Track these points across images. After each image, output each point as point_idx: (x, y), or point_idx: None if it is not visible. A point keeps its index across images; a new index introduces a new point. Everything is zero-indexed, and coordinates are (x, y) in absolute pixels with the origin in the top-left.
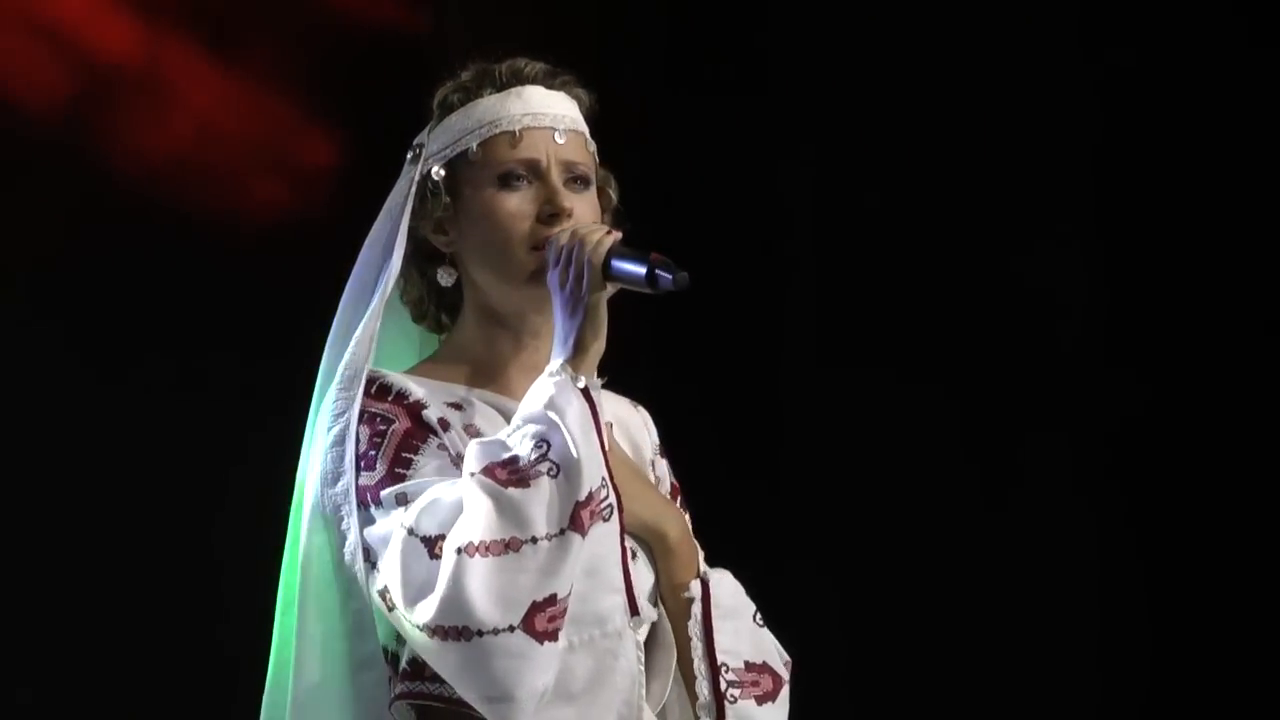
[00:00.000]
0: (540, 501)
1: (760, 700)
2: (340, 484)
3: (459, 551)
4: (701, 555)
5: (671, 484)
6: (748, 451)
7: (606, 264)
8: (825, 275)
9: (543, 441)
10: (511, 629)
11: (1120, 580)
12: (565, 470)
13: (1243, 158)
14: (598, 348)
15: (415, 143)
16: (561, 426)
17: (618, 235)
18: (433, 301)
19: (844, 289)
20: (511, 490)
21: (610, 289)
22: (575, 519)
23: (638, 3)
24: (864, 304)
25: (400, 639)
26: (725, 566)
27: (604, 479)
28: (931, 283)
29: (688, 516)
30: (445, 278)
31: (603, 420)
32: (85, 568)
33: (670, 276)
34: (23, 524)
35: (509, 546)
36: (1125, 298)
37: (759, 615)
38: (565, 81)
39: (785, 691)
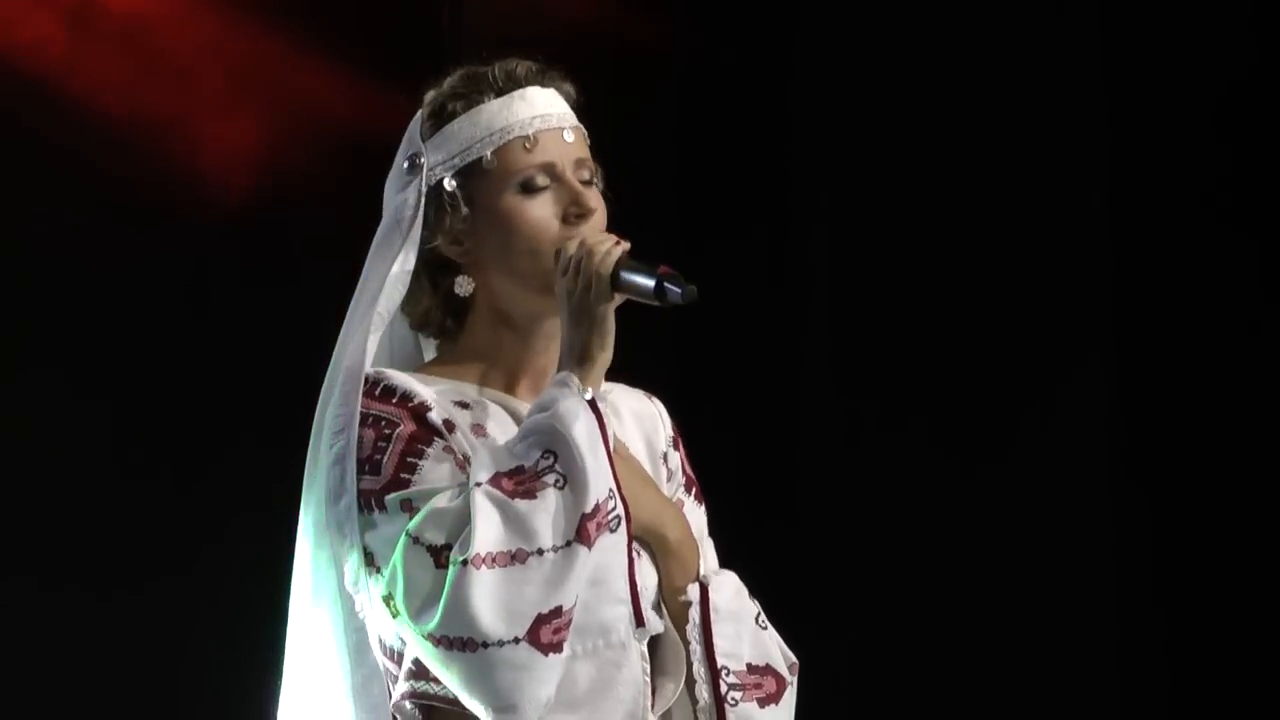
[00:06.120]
0: (546, 513)
1: (763, 702)
2: (343, 502)
3: (465, 563)
4: (713, 555)
5: (686, 476)
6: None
7: (615, 275)
8: (840, 322)
9: (549, 453)
10: (516, 641)
11: (1140, 619)
12: (572, 482)
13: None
14: (605, 358)
15: (412, 152)
16: (568, 438)
17: (626, 245)
18: (443, 310)
19: (857, 330)
20: (518, 501)
21: (618, 299)
22: (581, 531)
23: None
24: (874, 347)
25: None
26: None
27: (611, 490)
28: (933, 287)
29: (704, 509)
30: (464, 286)
31: (609, 429)
32: (90, 568)
33: (679, 290)
34: (32, 523)
35: (515, 558)
36: (1137, 301)
37: (762, 617)
38: (554, 77)
39: (789, 693)
